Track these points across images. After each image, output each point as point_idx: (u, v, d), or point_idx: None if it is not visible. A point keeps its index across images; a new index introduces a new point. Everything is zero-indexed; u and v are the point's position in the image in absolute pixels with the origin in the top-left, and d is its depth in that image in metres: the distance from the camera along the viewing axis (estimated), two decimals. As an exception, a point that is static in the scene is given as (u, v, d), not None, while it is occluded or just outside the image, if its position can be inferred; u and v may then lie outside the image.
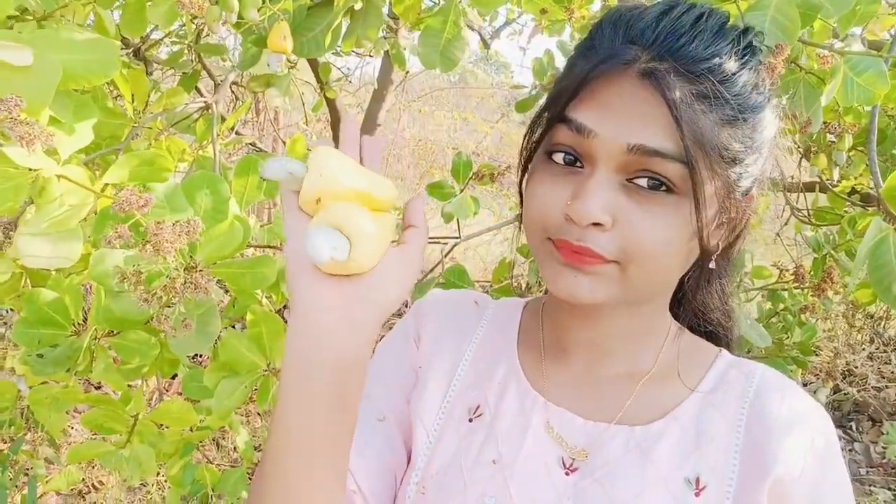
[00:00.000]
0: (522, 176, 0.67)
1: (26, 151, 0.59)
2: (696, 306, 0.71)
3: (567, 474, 0.64)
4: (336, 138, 3.28)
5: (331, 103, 3.15)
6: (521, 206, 0.70)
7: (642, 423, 0.65)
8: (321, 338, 0.50)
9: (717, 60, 0.57)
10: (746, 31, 0.61)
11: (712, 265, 0.64)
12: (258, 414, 2.61)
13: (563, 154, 0.60)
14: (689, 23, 0.58)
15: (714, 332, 0.74)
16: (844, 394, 3.55)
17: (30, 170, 0.70)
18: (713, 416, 0.64)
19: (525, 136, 0.68)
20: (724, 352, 0.70)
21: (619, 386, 0.68)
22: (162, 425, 1.21)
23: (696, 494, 0.61)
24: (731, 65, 0.58)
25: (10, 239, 1.16)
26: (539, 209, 0.61)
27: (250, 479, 1.47)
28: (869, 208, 1.80)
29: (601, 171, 0.58)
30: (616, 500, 0.62)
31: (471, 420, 0.70)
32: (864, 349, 3.85)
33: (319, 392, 0.50)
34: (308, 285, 0.50)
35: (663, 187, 0.57)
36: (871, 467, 3.13)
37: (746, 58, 0.59)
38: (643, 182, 0.57)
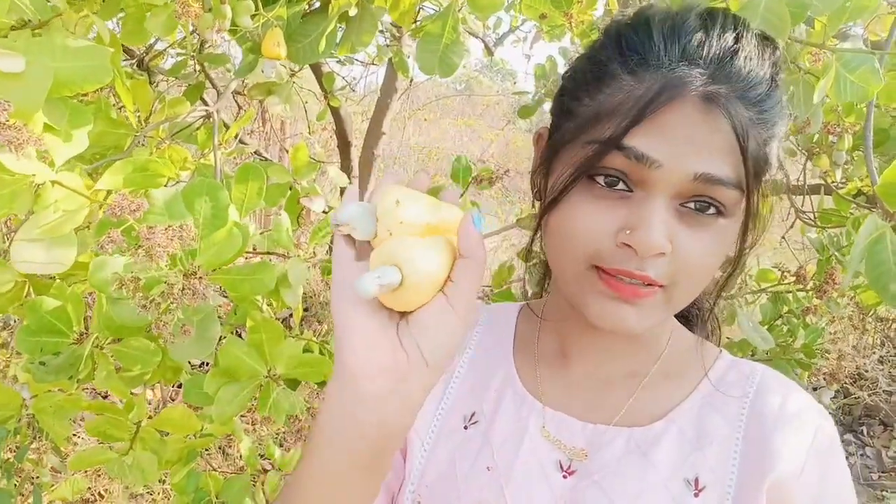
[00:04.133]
0: (552, 205, 0.61)
1: (16, 157, 0.60)
2: (713, 313, 0.73)
3: (565, 477, 0.64)
4: (341, 146, 3.30)
5: (335, 112, 3.17)
6: (538, 230, 0.68)
7: (641, 424, 0.64)
8: (369, 405, 0.48)
9: (765, 86, 0.58)
10: (775, 47, 0.61)
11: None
12: (263, 422, 2.60)
13: (605, 176, 0.58)
14: (733, 38, 0.57)
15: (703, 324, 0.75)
16: (855, 398, 3.51)
17: (26, 176, 0.71)
18: (713, 417, 0.64)
19: (542, 160, 0.66)
20: (725, 353, 0.70)
21: (619, 388, 0.68)
22: (165, 432, 1.22)
23: (696, 495, 0.60)
24: (777, 92, 0.59)
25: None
26: (586, 237, 0.58)
27: (254, 485, 1.47)
28: (874, 210, 1.78)
29: (659, 198, 0.56)
30: (614, 502, 0.61)
31: (466, 427, 0.69)
32: (874, 353, 3.81)
33: (361, 453, 0.50)
34: (357, 349, 0.47)
35: (711, 209, 0.57)
36: (882, 472, 3.10)
37: (779, 76, 0.60)
38: (692, 205, 0.57)
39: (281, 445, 2.67)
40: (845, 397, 3.54)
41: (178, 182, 1.24)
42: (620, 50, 0.59)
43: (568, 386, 0.69)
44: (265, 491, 1.45)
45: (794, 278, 1.24)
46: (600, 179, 0.58)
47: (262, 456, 1.79)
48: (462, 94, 8.87)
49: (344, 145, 3.39)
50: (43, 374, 0.98)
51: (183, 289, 0.77)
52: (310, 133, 2.06)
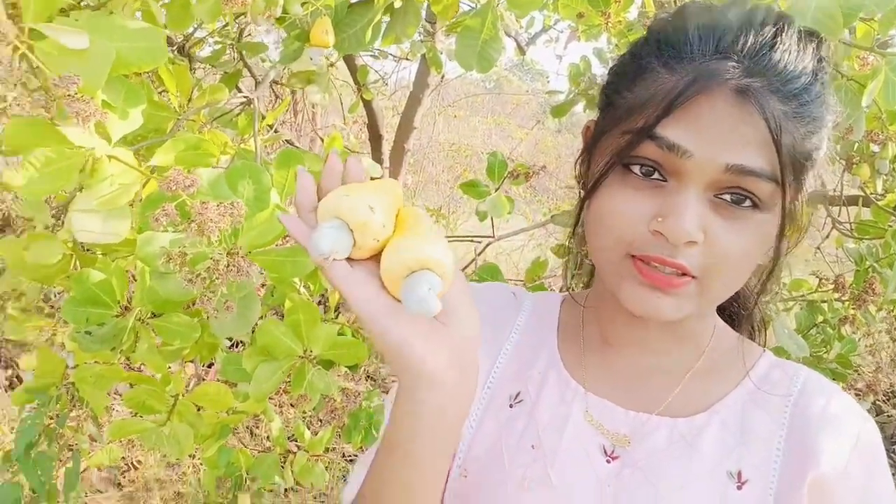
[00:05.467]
0: (590, 193, 0.64)
1: (82, 129, 0.62)
2: (756, 311, 0.74)
3: (608, 462, 0.65)
4: (373, 139, 3.32)
5: (367, 105, 3.20)
6: (579, 218, 0.69)
7: (685, 415, 0.65)
8: (453, 398, 0.52)
9: (805, 79, 0.57)
10: (819, 42, 0.60)
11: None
12: (290, 405, 2.66)
13: (641, 166, 0.59)
14: (772, 34, 0.57)
15: (740, 322, 0.75)
16: (888, 416, 3.45)
17: (83, 149, 0.74)
18: (757, 414, 0.64)
19: (585, 149, 0.68)
20: (768, 352, 0.71)
21: (662, 380, 0.69)
22: (199, 407, 1.25)
23: (738, 488, 0.61)
24: (817, 87, 0.58)
25: (60, 222, 1.21)
26: (621, 224, 0.59)
27: (283, 465, 1.51)
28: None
29: (692, 189, 0.57)
30: (660, 490, 0.62)
31: (511, 406, 0.71)
32: (907, 368, 3.74)
33: (450, 445, 0.55)
34: (425, 355, 0.49)
35: (747, 202, 0.57)
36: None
37: (824, 71, 0.60)
38: (728, 197, 0.58)
39: (308, 428, 2.71)
40: (878, 415, 3.48)
41: (217, 166, 1.27)
42: (658, 45, 0.61)
43: (610, 374, 0.70)
44: (293, 470, 1.48)
45: (832, 286, 1.23)
46: (636, 169, 0.59)
47: (290, 438, 1.83)
48: (492, 92, 8.87)
49: (375, 138, 3.42)
50: (89, 344, 1.01)
51: (228, 265, 0.80)
52: (345, 124, 2.08)
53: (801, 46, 0.58)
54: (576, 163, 0.70)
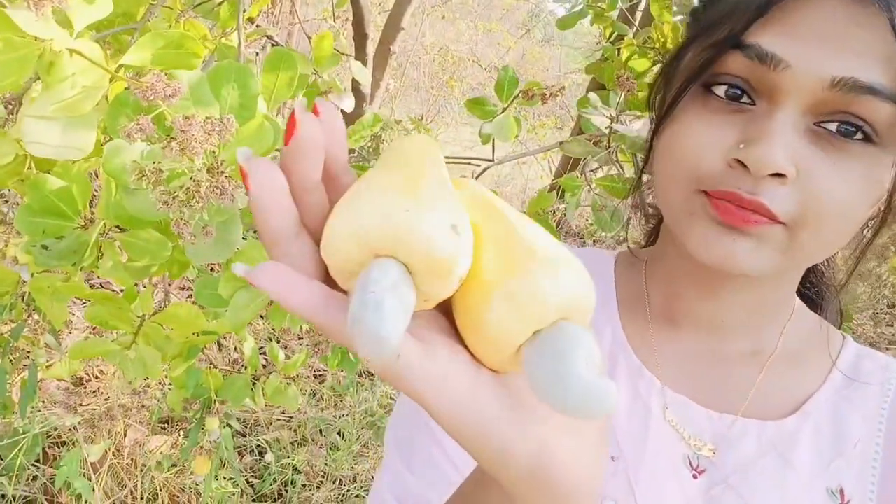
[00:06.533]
0: (660, 123, 0.53)
1: (34, 15, 0.50)
2: (843, 293, 0.62)
3: (695, 477, 0.55)
4: (358, 38, 3.11)
5: (355, 0, 2.97)
6: (648, 157, 0.57)
7: (773, 417, 0.56)
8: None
9: None
10: None
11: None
12: (260, 316, 2.59)
13: (726, 87, 0.48)
14: None
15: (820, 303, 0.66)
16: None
17: (37, 40, 0.61)
18: (851, 415, 0.55)
19: (664, 68, 0.56)
20: (850, 338, 0.61)
21: (740, 369, 0.58)
22: (168, 327, 1.16)
23: None
24: None
25: (13, 116, 1.07)
26: (692, 153, 0.48)
27: (254, 384, 1.45)
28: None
29: (787, 111, 0.45)
30: None
31: None
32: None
33: None
34: (573, 463, 0.30)
35: (859, 134, 0.45)
36: None
37: None
38: (833, 127, 0.46)
39: (278, 342, 2.67)
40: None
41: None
42: None
43: (683, 362, 0.59)
44: (265, 391, 1.43)
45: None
46: (719, 90, 0.48)
47: (259, 350, 1.77)
48: (481, -7, 8.42)
49: (360, 37, 3.20)
50: (45, 259, 0.91)
51: (210, 187, 0.69)
52: (334, 20, 1.90)
53: None
54: (649, 91, 0.59)
